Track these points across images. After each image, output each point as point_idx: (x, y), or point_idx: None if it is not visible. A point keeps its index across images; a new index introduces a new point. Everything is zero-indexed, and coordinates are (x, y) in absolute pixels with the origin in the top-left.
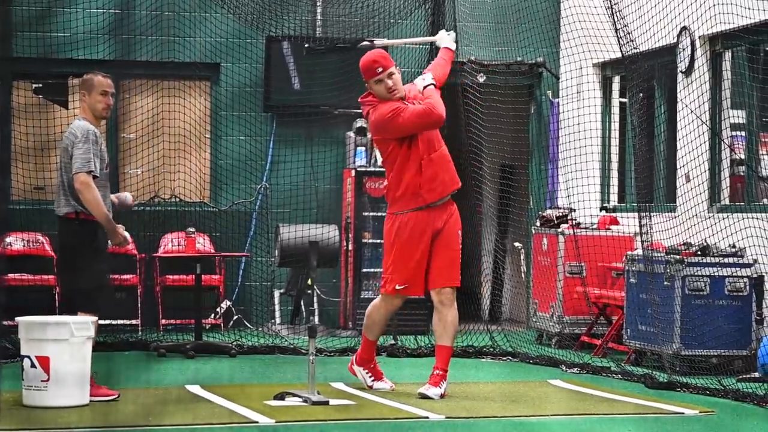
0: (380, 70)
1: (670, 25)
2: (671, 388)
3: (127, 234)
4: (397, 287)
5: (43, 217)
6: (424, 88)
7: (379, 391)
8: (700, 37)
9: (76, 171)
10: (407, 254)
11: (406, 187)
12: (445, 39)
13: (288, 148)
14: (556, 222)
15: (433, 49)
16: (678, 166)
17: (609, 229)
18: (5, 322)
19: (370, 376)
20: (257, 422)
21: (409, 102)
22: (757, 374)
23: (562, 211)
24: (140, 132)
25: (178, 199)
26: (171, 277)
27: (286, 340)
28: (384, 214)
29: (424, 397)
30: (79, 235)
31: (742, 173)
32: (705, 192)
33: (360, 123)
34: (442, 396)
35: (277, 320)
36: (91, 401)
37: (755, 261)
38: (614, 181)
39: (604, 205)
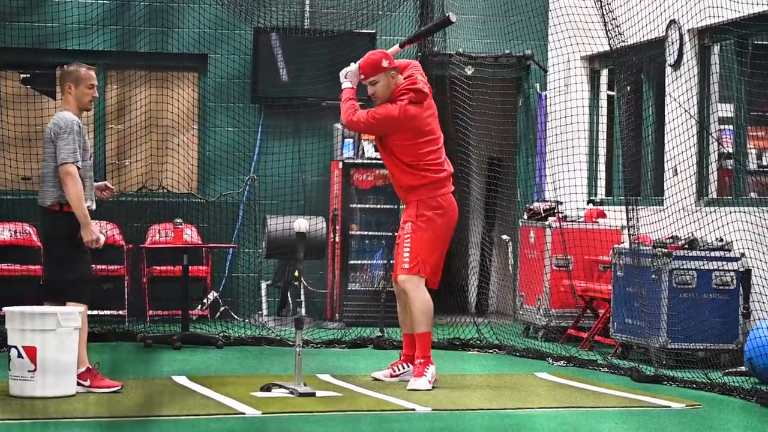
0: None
1: (658, 18)
2: (658, 382)
3: (101, 236)
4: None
5: (30, 207)
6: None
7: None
8: (688, 30)
9: (62, 162)
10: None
11: None
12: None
13: (276, 140)
14: (543, 215)
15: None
16: (666, 160)
17: (596, 222)
18: None
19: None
20: (244, 413)
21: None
22: (743, 368)
23: (549, 203)
24: (128, 123)
25: (165, 190)
26: (158, 267)
27: (272, 332)
28: (370, 206)
29: (414, 390)
30: (64, 226)
31: (729, 167)
32: (693, 185)
33: None
34: (430, 383)
35: (264, 311)
36: (92, 392)
37: (742, 255)
38: (602, 174)
39: (592, 198)
